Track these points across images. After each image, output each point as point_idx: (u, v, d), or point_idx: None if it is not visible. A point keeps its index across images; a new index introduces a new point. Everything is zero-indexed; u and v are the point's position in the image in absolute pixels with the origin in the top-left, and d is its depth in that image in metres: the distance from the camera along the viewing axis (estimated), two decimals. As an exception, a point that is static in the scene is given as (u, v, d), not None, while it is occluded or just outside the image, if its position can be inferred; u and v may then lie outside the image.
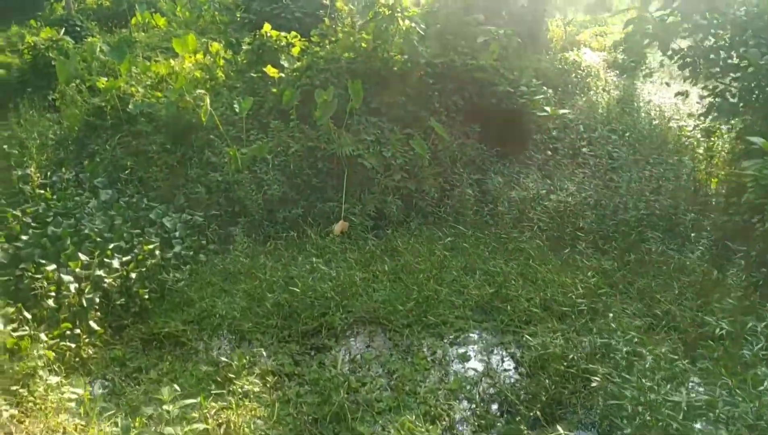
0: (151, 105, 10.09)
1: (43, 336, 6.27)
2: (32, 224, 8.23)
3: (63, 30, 15.62)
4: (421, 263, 8.18)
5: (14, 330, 6.34)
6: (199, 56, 12.61)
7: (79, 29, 18.20)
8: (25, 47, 14.43)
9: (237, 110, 9.64)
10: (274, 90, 10.24)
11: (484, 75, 10.88)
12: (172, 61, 11.93)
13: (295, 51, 11.11)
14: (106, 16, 22.82)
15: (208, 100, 9.15)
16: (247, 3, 13.56)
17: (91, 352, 6.63)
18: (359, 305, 7.39)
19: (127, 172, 9.17)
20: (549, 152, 10.68)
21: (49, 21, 20.33)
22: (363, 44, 10.42)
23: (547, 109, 10.25)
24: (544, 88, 10.82)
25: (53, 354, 6.19)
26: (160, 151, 9.69)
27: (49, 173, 9.54)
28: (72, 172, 9.68)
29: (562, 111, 10.76)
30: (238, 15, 14.77)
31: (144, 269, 7.61)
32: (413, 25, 10.28)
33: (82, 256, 7.45)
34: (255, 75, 10.90)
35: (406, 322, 7.09)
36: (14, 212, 8.39)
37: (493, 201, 9.68)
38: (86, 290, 7.04)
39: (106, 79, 10.97)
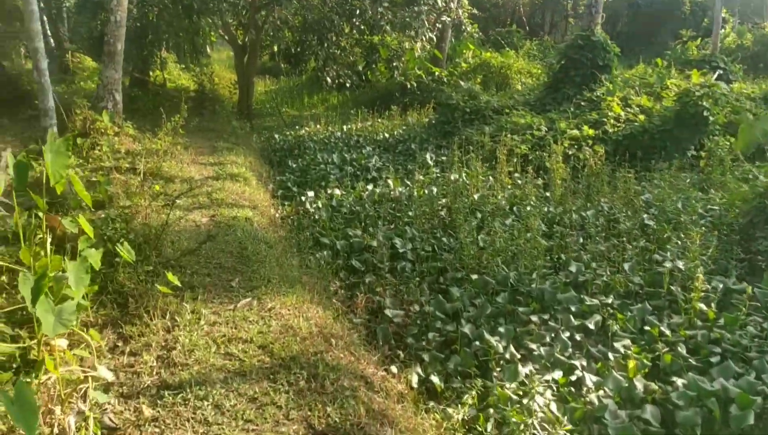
0: None
1: None
2: (689, 360, 5.50)
3: (716, 75, 12.83)
4: None
5: None
6: None
7: (721, 72, 15.21)
8: (673, 92, 12.22)
9: None
10: None
11: None
12: None
13: None
14: (744, 57, 19.37)
15: None
16: None
17: None
18: None
19: None
20: None
21: (680, 61, 18.04)
22: None
23: None
24: None
25: None
26: None
27: (709, 277, 6.69)
28: (741, 279, 6.65)
29: None
30: None
31: None
32: None
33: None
34: None
35: None
36: (664, 330, 5.85)
37: None
38: None
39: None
